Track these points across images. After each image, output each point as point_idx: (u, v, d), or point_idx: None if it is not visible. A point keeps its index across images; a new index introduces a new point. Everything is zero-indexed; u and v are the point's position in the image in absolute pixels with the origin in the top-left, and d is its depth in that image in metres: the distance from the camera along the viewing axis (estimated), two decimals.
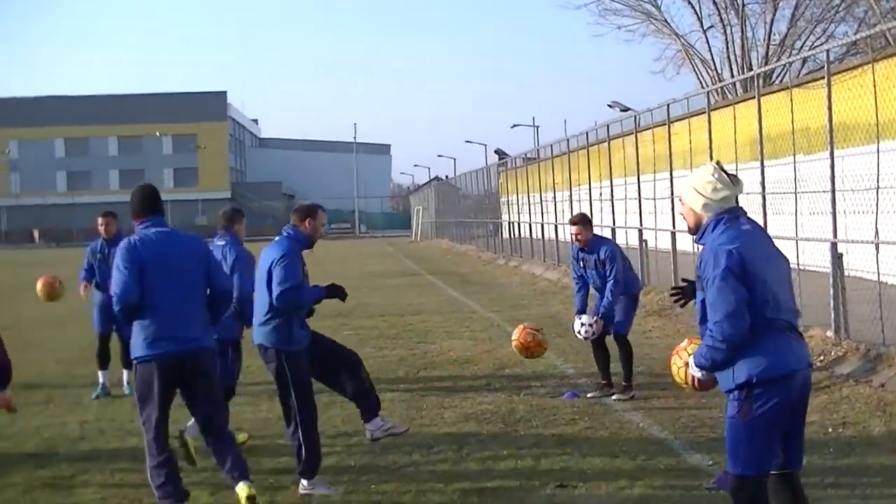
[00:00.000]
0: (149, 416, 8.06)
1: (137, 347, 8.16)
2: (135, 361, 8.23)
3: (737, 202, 6.20)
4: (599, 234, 14.27)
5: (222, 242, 10.98)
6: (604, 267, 12.76)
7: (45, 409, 13.04)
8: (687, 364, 6.26)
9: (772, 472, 6.03)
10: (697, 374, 6.17)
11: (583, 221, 13.08)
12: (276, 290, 8.80)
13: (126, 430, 11.54)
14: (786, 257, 6.32)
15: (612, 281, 12.66)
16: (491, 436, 10.76)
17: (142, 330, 8.12)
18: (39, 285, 15.71)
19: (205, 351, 8.33)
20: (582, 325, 12.75)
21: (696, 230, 6.14)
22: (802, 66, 41.96)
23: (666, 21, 53.49)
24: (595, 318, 12.65)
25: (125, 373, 13.97)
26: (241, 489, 8.01)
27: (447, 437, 10.72)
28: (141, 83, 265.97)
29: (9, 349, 7.95)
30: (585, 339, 12.89)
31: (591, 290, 13.16)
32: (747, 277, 5.84)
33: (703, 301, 6.03)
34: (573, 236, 13.06)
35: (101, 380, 14.01)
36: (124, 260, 8.17)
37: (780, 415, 5.89)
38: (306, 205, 9.63)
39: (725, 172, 6.09)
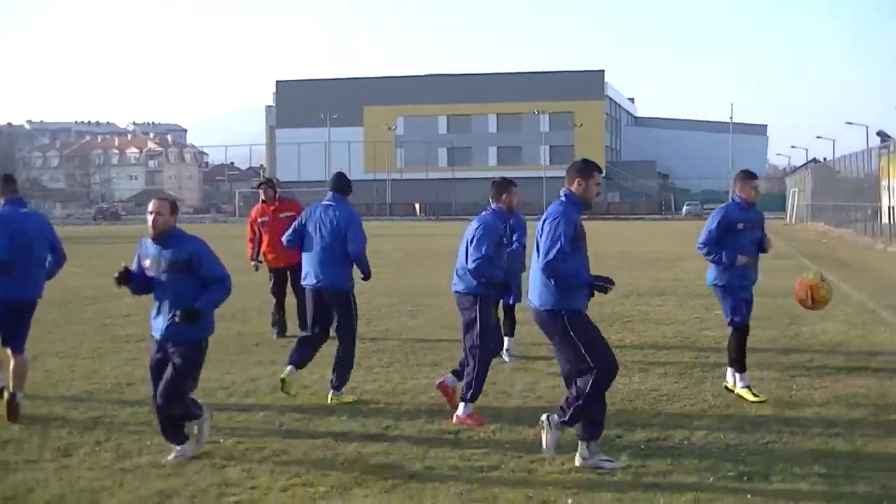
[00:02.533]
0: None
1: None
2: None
3: None
4: None
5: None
6: None
7: (433, 370, 13.92)
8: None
9: None
10: None
11: None
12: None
13: (506, 392, 12.30)
14: None
15: None
16: (860, 418, 10.80)
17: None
18: None
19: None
20: None
21: None
22: None
23: None
24: None
25: (507, 340, 14.76)
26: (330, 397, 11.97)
27: (815, 417, 10.87)
28: (521, 62, 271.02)
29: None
30: None
31: None
32: None
33: None
34: None
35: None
36: (297, 220, 12.47)
37: None
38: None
39: None
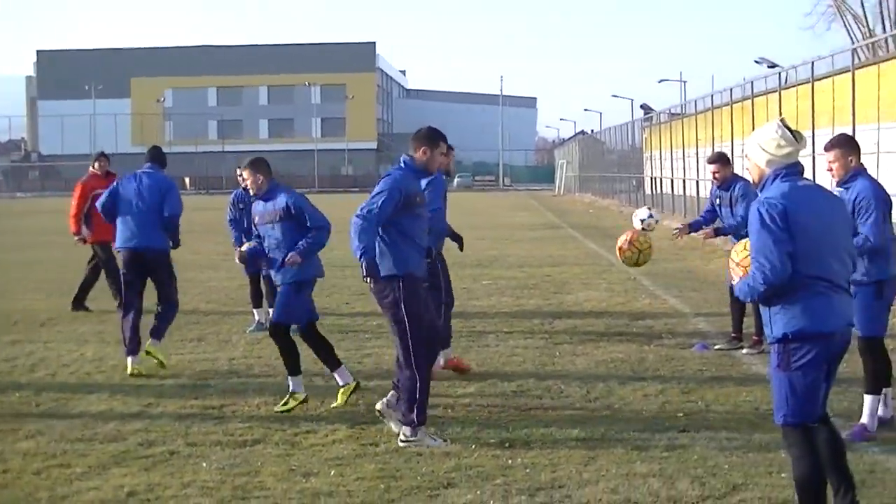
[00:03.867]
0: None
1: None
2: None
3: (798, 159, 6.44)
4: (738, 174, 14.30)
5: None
6: (736, 203, 12.85)
7: (197, 345, 13.78)
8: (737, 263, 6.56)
9: None
10: (742, 297, 6.54)
11: (720, 160, 13.36)
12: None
13: (272, 366, 12.17)
14: (848, 218, 6.62)
15: (740, 214, 12.69)
16: (619, 382, 11.11)
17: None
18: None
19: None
20: (640, 219, 13.18)
21: (759, 184, 6.42)
22: None
23: None
24: (656, 217, 13.36)
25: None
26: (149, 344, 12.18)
27: (577, 383, 11.11)
28: (292, 34, 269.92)
29: None
30: (643, 229, 13.43)
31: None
32: (791, 231, 6.06)
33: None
34: (712, 175, 13.28)
35: (256, 317, 14.83)
36: (111, 187, 12.84)
37: (818, 368, 6.16)
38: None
39: (789, 130, 6.35)
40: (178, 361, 12.65)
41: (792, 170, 6.31)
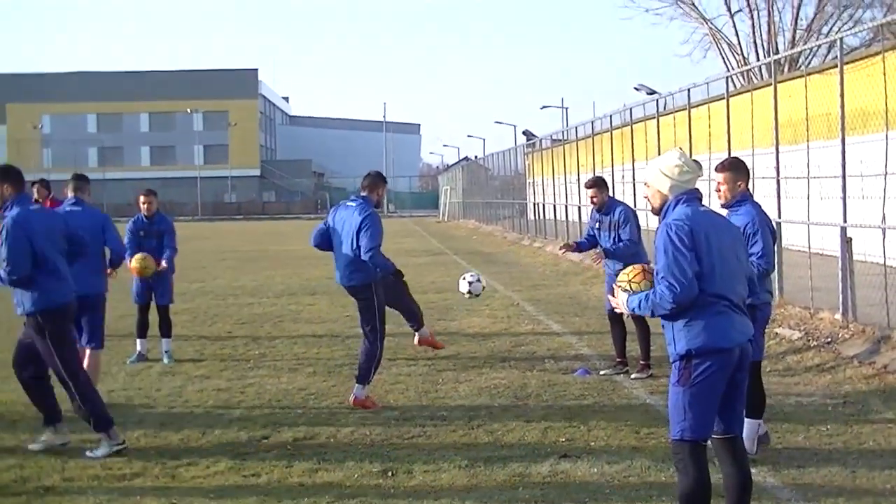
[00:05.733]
0: None
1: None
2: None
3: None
4: (614, 196, 14.58)
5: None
6: (617, 228, 13.08)
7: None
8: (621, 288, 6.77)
9: (714, 436, 6.52)
10: (625, 309, 6.79)
11: (598, 184, 13.49)
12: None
13: (152, 397, 11.98)
14: (742, 242, 6.95)
15: (626, 237, 12.97)
16: (502, 409, 11.16)
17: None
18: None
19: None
20: (468, 282, 13.72)
21: (660, 210, 6.62)
22: (829, 52, 41.79)
23: (693, 4, 53.40)
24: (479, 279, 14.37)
25: (164, 342, 14.50)
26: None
27: (460, 410, 11.13)
28: (173, 60, 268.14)
29: None
30: (468, 293, 14.45)
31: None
32: (697, 252, 6.31)
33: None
34: (590, 199, 13.46)
35: (138, 348, 14.57)
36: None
37: (717, 384, 6.35)
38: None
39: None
40: (57, 394, 12.34)
41: (692, 195, 6.57)
